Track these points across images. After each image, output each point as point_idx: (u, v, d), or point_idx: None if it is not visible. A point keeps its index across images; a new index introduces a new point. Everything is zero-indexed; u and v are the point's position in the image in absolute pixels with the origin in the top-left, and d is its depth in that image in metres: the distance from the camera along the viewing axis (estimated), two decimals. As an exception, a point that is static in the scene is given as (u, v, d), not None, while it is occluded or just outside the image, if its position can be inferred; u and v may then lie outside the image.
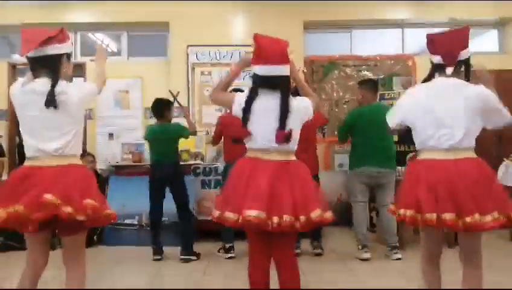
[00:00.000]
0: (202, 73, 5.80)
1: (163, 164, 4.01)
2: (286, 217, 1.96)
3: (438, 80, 2.14)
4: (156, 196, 4.02)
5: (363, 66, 5.95)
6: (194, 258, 3.97)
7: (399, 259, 3.84)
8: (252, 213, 1.95)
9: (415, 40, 6.07)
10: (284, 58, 2.13)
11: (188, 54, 5.77)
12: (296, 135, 2.12)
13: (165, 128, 4.07)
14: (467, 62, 2.14)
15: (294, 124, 2.11)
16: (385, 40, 6.25)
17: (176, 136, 4.09)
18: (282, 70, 2.13)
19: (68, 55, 2.15)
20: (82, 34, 6.12)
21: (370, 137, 3.90)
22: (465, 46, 2.12)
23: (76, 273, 2.09)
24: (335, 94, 5.93)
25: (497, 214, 1.94)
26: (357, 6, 5.88)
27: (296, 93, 3.68)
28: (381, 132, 3.91)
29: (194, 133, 4.22)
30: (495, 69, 5.27)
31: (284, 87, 2.15)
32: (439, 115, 2.06)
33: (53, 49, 2.07)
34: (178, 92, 4.39)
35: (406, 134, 2.34)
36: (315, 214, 2.02)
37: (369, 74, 5.88)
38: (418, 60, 5.78)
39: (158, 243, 4.03)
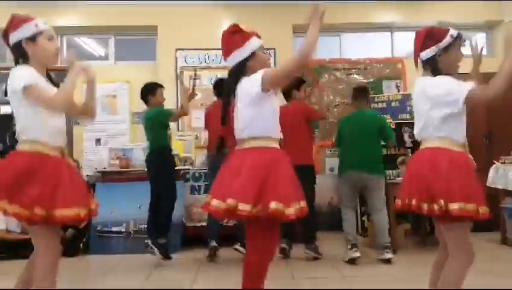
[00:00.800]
0: (191, 77, 5.71)
1: (150, 153, 3.92)
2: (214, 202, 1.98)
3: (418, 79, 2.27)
4: (151, 190, 3.90)
5: (353, 70, 5.94)
6: (155, 251, 3.79)
7: (389, 259, 3.80)
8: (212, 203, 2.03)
9: (405, 43, 6.08)
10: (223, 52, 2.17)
11: (176, 58, 5.71)
12: (246, 117, 2.06)
13: (146, 114, 3.97)
14: (429, 61, 2.17)
15: (244, 105, 2.07)
16: (374, 43, 6.25)
17: (155, 121, 3.90)
18: (228, 61, 2.16)
19: (31, 37, 2.01)
20: (69, 38, 6.03)
21: (354, 142, 4.01)
22: (419, 48, 2.19)
23: (37, 265, 1.96)
24: (325, 98, 5.90)
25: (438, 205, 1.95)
26: (347, 9, 5.88)
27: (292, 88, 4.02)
28: (364, 137, 4.00)
29: (183, 113, 4.09)
30: (483, 72, 5.33)
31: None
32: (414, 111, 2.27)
33: (11, 39, 2.05)
34: (195, 73, 4.31)
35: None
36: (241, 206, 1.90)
37: (359, 78, 5.88)
38: (408, 63, 5.78)
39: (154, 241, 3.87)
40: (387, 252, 3.85)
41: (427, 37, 2.17)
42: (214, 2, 5.73)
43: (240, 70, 2.11)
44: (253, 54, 2.11)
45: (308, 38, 1.96)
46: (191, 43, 5.68)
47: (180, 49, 5.72)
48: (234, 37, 2.12)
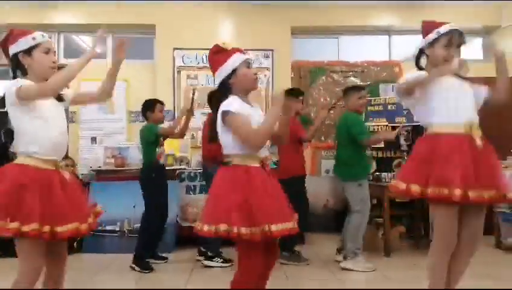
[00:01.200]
0: (188, 76, 5.74)
1: (142, 168, 3.96)
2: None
3: None
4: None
5: (350, 72, 5.96)
6: (137, 269, 3.75)
7: (340, 264, 3.78)
8: None
9: (402, 47, 6.10)
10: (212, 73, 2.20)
11: (174, 57, 5.71)
12: (221, 140, 2.10)
13: (143, 129, 3.99)
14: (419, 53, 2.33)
15: (219, 127, 2.09)
16: (372, 46, 6.27)
17: (141, 138, 3.95)
18: (216, 81, 2.19)
19: (27, 51, 2.03)
20: (66, 35, 6.01)
21: (336, 146, 4.09)
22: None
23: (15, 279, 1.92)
24: (322, 100, 5.91)
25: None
26: (345, 12, 5.89)
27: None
28: (338, 140, 4.01)
29: (180, 135, 4.08)
30: (479, 77, 5.34)
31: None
32: None
33: (10, 52, 2.08)
34: (193, 91, 4.17)
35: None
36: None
37: (356, 80, 5.89)
38: (405, 67, 5.80)
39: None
40: (344, 258, 3.78)
41: (422, 30, 2.31)
42: (212, 2, 5.73)
43: (223, 89, 2.11)
44: (234, 71, 2.10)
45: (268, 119, 2.02)
46: (189, 43, 5.68)
47: (178, 49, 5.71)
48: (216, 56, 2.14)
